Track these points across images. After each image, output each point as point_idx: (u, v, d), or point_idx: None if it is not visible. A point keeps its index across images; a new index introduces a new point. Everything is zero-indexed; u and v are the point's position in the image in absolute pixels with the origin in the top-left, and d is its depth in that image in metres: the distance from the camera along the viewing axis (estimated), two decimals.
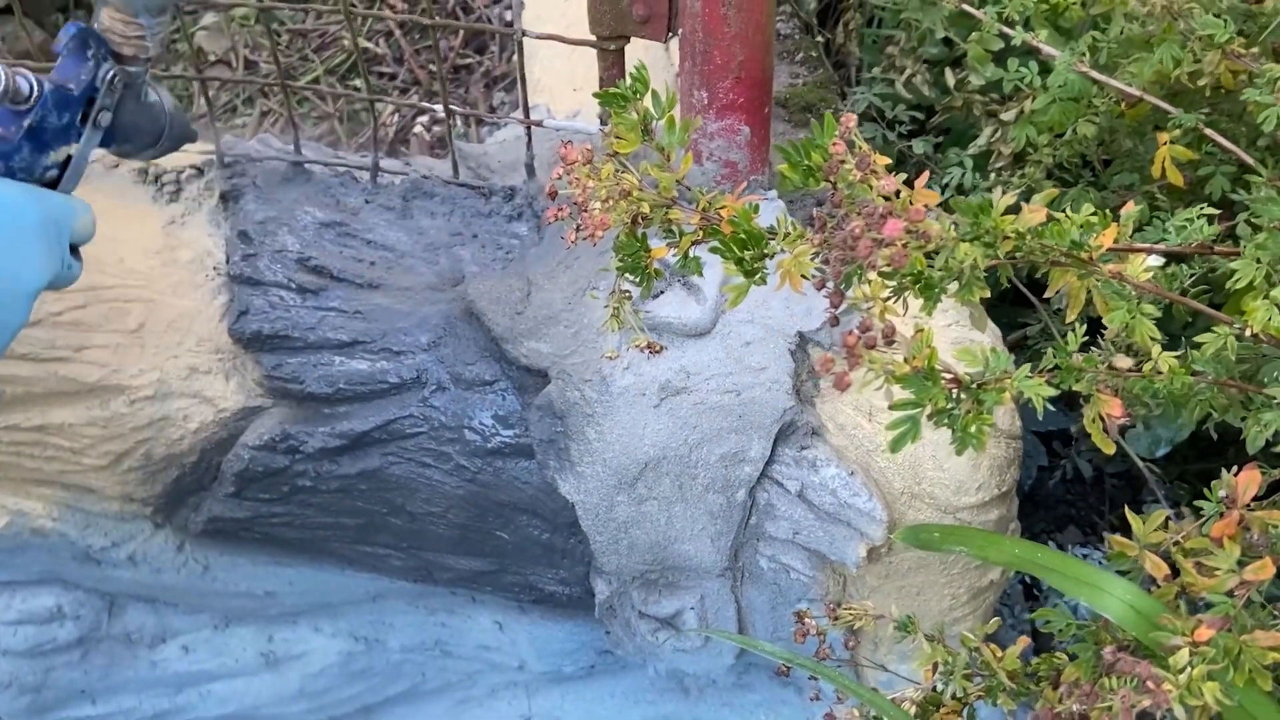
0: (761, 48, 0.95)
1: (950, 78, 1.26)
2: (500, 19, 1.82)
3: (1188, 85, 1.04)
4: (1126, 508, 0.73)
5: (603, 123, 1.10)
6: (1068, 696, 0.70)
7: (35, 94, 0.80)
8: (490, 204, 1.10)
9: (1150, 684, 0.58)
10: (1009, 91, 1.15)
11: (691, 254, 0.81)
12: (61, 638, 1.24)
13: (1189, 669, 0.60)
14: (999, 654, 0.75)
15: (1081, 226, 0.67)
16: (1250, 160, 0.98)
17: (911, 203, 0.63)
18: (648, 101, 0.77)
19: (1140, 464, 1.14)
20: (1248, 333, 0.68)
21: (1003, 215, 0.63)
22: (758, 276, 0.73)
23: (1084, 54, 1.12)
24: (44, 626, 1.23)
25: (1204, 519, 0.71)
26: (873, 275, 0.68)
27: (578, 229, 0.76)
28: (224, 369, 1.07)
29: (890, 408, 0.65)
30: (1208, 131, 1.03)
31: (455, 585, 1.15)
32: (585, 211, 0.75)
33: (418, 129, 1.75)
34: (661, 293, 0.97)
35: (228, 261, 1.08)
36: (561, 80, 1.31)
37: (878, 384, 0.61)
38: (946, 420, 0.63)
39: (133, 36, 0.83)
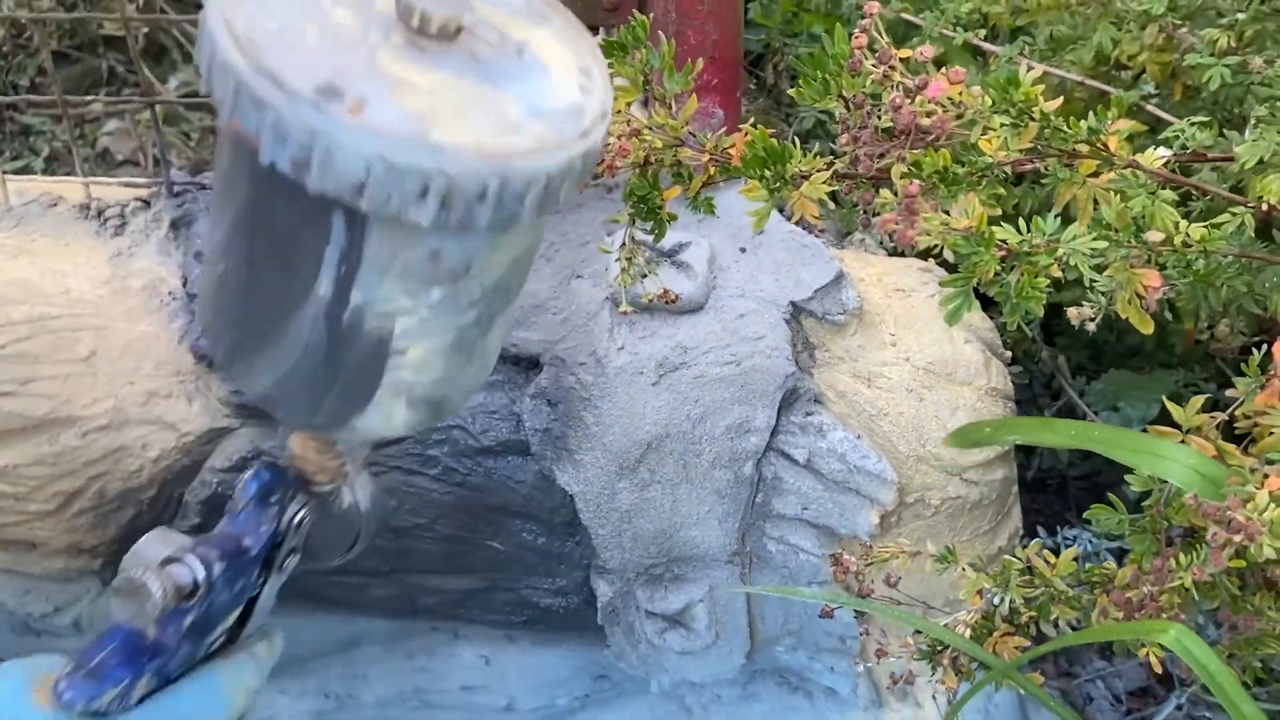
0: (733, 26, 0.97)
1: None
2: None
3: (1127, 65, 1.09)
4: (1166, 401, 0.72)
5: None
6: (1135, 583, 0.68)
7: (203, 584, 0.61)
8: None
9: (1239, 518, 0.57)
10: None
11: (702, 197, 0.81)
12: None
13: (1271, 508, 0.59)
14: (1053, 561, 0.73)
15: (1097, 115, 0.69)
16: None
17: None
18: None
19: None
20: (1263, 206, 0.69)
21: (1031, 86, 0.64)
22: (782, 193, 0.72)
23: (1021, 50, 1.17)
24: None
25: (1238, 402, 0.72)
26: (901, 170, 0.68)
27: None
28: (186, 391, 1.01)
29: (942, 284, 0.64)
30: (1149, 108, 1.09)
31: (439, 616, 1.09)
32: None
33: None
34: (645, 275, 0.96)
35: (185, 284, 1.03)
36: None
37: (934, 242, 0.61)
38: (999, 288, 0.63)
39: (331, 466, 0.66)
